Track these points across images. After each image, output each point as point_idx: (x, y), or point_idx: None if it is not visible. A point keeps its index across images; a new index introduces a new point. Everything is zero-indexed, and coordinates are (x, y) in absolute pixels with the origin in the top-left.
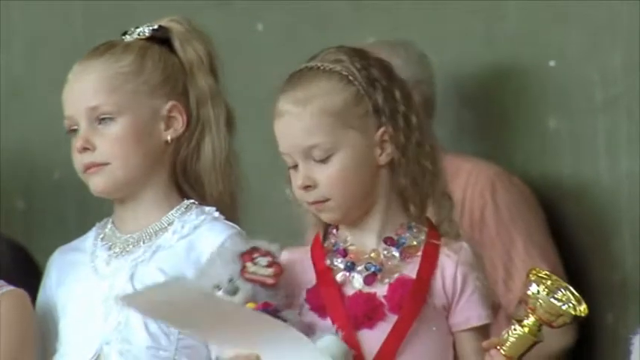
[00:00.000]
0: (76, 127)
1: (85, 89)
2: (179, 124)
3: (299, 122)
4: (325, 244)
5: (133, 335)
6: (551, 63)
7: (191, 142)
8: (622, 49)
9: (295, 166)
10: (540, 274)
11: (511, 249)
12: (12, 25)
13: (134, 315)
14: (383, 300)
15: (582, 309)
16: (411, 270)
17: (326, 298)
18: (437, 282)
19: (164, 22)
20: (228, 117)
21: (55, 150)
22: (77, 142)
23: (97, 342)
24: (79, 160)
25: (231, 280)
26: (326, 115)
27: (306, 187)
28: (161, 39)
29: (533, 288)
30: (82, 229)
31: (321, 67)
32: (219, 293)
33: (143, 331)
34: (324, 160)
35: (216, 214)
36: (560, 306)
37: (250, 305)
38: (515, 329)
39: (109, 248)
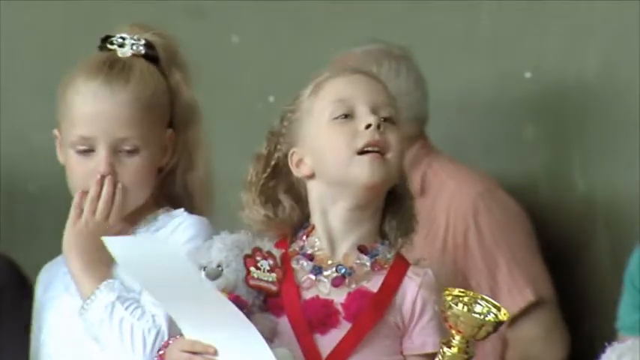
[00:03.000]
0: (90, 149)
1: (116, 118)
2: (169, 150)
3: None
4: (291, 248)
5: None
6: (527, 74)
7: (179, 162)
8: (598, 59)
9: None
10: (454, 293)
11: (495, 271)
12: None
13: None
14: (339, 307)
15: (503, 314)
16: (373, 283)
17: (285, 298)
18: (397, 300)
19: (147, 36)
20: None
21: (30, 162)
22: (101, 167)
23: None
24: (92, 182)
25: (219, 266)
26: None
27: (379, 127)
28: (152, 56)
29: (452, 308)
30: (57, 242)
31: None
32: (202, 274)
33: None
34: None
35: (185, 213)
36: (481, 318)
37: (223, 294)
38: (445, 352)
39: None
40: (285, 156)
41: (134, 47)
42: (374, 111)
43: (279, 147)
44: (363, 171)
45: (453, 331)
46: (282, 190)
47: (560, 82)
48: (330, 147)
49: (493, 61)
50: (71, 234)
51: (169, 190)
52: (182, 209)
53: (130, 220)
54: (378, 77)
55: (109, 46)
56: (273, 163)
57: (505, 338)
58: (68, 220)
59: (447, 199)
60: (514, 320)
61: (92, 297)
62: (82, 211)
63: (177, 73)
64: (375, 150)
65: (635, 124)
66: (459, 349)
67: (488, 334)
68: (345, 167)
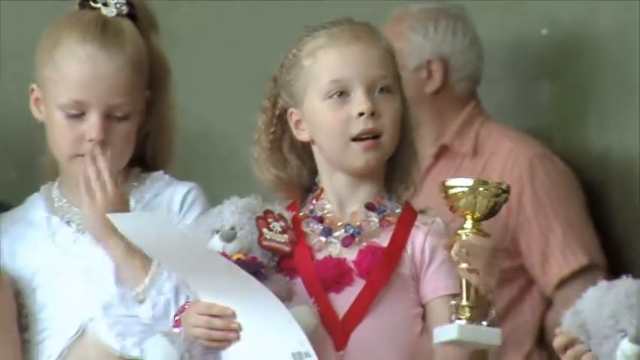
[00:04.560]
0: (80, 113)
1: (113, 84)
2: (144, 111)
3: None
4: (302, 212)
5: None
6: (543, 31)
7: (152, 124)
8: (614, 14)
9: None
10: (453, 183)
11: (549, 234)
12: None
13: (113, 291)
14: (352, 265)
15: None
16: (383, 239)
17: (298, 260)
18: (407, 251)
19: None
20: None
21: None
22: (94, 133)
23: (79, 319)
24: (84, 147)
25: (232, 229)
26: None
27: (372, 114)
28: (133, 16)
29: (457, 188)
30: None
31: None
32: (216, 237)
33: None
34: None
35: (167, 177)
36: (496, 184)
37: (239, 256)
38: (465, 233)
39: (68, 223)
40: (286, 111)
41: (117, 6)
42: (369, 89)
43: (279, 99)
44: (358, 159)
45: (467, 216)
46: (287, 146)
47: (576, 38)
48: (325, 130)
49: (509, 18)
50: (95, 216)
51: (137, 151)
52: (161, 171)
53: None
54: (374, 41)
55: (92, 4)
56: (277, 113)
57: (546, 301)
58: (84, 209)
59: (503, 159)
60: (564, 282)
61: (153, 278)
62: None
63: (153, 33)
64: (369, 137)
65: None
66: (473, 229)
67: (505, 200)
68: (340, 152)
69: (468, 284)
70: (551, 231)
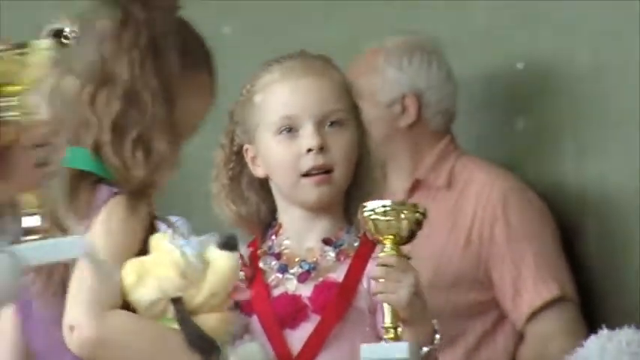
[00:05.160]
0: None
1: None
2: None
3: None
4: (261, 249)
5: None
6: (519, 65)
7: None
8: (590, 48)
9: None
10: (367, 206)
11: (521, 266)
12: None
13: None
14: (307, 301)
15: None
16: (339, 273)
17: (254, 297)
18: (364, 284)
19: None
20: None
21: None
22: None
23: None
24: None
25: None
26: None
27: (322, 149)
28: None
29: (365, 213)
30: None
31: None
32: None
33: None
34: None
35: None
36: (403, 205)
37: None
38: (379, 255)
39: None
40: (242, 147)
41: None
42: (320, 123)
43: (235, 136)
44: (310, 194)
45: (385, 242)
46: (246, 182)
47: (552, 73)
48: (277, 166)
49: (485, 52)
50: None
51: None
52: None
53: None
54: (325, 74)
55: (64, 40)
56: (235, 149)
57: (519, 335)
58: None
59: (476, 190)
60: (535, 314)
61: None
62: None
63: None
64: (319, 172)
65: (629, 115)
66: (391, 252)
67: (411, 225)
68: (292, 188)
69: (388, 305)
70: (523, 264)
